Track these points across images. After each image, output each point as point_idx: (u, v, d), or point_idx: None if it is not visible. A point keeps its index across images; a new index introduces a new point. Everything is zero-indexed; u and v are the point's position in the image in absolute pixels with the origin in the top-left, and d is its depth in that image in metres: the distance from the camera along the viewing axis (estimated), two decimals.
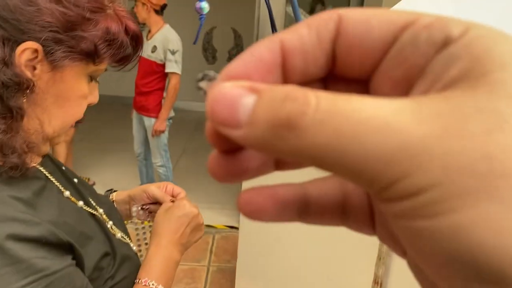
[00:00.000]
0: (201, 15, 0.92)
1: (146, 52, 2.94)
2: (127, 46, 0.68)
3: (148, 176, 3.39)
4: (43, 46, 0.60)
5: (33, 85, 0.60)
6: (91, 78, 0.69)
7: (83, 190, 0.78)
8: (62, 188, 0.71)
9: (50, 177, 0.70)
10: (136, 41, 0.70)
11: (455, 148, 0.12)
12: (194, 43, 1.06)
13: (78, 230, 0.66)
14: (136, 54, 0.72)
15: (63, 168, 0.78)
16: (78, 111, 0.68)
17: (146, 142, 3.23)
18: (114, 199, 0.93)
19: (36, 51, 0.59)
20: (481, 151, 0.12)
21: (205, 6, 0.93)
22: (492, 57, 0.13)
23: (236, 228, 3.25)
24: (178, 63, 2.91)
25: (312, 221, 0.19)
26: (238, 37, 5.67)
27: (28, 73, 0.60)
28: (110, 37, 0.65)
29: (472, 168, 0.12)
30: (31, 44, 0.59)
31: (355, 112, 0.13)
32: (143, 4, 2.81)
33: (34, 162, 0.68)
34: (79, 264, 0.64)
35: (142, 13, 2.83)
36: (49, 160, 0.74)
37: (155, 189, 0.90)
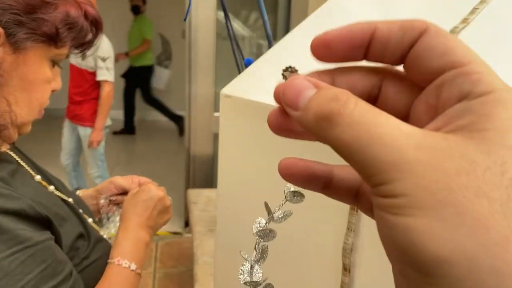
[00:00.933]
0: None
1: (76, 59, 2.83)
2: (87, 31, 0.70)
3: (81, 187, 3.27)
4: (4, 28, 0.61)
5: None
6: (54, 63, 0.70)
7: (51, 178, 0.80)
8: (33, 173, 0.73)
9: (21, 162, 0.72)
10: (96, 26, 0.73)
11: (429, 176, 0.16)
12: (184, 20, 1.08)
13: (53, 211, 0.67)
14: (97, 39, 0.75)
15: (29, 157, 0.79)
16: (43, 95, 0.69)
17: (76, 153, 3.11)
18: (80, 195, 0.95)
19: None
20: (444, 184, 0.16)
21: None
22: (494, 119, 0.17)
23: (180, 233, 3.25)
24: (110, 70, 2.83)
25: (330, 196, 0.25)
26: (166, 42, 5.62)
27: None
28: (70, 21, 0.67)
29: (434, 194, 0.16)
30: None
31: (376, 127, 0.17)
32: None
33: (4, 147, 0.70)
34: (57, 241, 0.66)
35: None
36: (16, 148, 0.76)
37: (121, 179, 0.93)
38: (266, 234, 0.32)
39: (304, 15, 2.77)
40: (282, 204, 0.32)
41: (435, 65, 0.19)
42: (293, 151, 0.60)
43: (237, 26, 3.14)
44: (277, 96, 0.21)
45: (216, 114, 2.96)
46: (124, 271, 0.74)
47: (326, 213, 0.50)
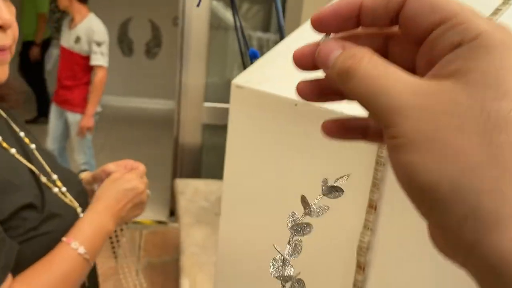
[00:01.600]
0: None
1: (68, 42, 2.78)
2: None
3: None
4: None
5: None
6: None
7: (42, 155, 0.81)
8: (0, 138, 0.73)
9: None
10: None
11: (421, 118, 0.19)
12: (198, 5, 1.07)
13: (1, 175, 0.68)
14: None
15: (13, 121, 0.81)
16: None
17: (63, 138, 3.06)
18: (82, 178, 0.95)
19: None
20: (433, 124, 0.19)
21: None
22: (479, 62, 0.19)
23: (165, 223, 3.23)
24: (104, 55, 2.77)
25: (369, 142, 0.28)
26: (156, 29, 5.55)
27: None
28: None
29: (425, 133, 0.19)
30: None
31: (382, 79, 0.21)
32: None
33: None
34: None
35: (63, 0, 2.69)
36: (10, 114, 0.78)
37: (111, 165, 0.91)
38: (302, 228, 0.31)
39: (299, 4, 2.76)
40: (319, 198, 0.32)
41: (425, 25, 0.22)
42: (304, 146, 0.59)
43: (229, 15, 3.11)
44: (316, 57, 0.24)
45: (206, 104, 2.94)
46: (71, 252, 0.72)
47: (342, 210, 0.49)
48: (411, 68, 0.23)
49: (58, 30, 5.35)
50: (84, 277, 0.77)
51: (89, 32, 2.74)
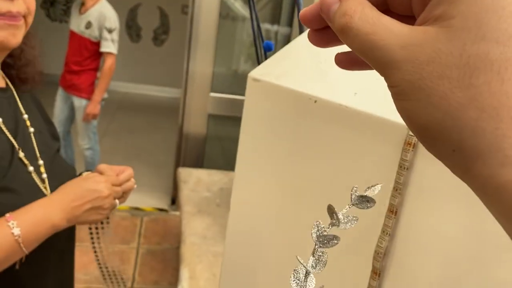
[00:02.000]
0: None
1: (78, 27, 2.75)
2: None
3: (68, 157, 3.19)
4: None
5: None
6: None
7: (38, 140, 0.83)
8: None
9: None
10: None
11: (409, 69, 0.21)
12: None
13: None
14: None
15: (24, 103, 0.84)
16: None
17: (67, 123, 3.04)
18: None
19: None
20: (418, 74, 0.21)
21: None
22: (460, 5, 0.20)
23: (166, 210, 3.24)
24: (114, 42, 2.75)
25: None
26: (165, 16, 5.52)
27: None
28: None
29: (412, 83, 0.21)
30: None
31: (373, 35, 0.22)
32: None
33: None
34: None
35: None
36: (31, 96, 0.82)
37: (104, 166, 0.90)
38: (328, 240, 0.29)
39: None
40: (348, 208, 0.30)
41: None
42: (322, 144, 0.58)
43: (238, 6, 3.09)
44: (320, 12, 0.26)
45: (212, 94, 2.93)
46: (5, 229, 0.70)
47: (358, 214, 0.48)
48: (409, 11, 0.25)
49: (66, 12, 5.33)
50: (11, 261, 0.72)
51: (100, 18, 2.71)
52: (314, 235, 0.30)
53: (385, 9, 0.25)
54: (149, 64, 5.69)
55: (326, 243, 0.30)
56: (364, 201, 0.30)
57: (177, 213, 3.13)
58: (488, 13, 0.19)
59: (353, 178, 0.53)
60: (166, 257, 2.76)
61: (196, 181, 2.44)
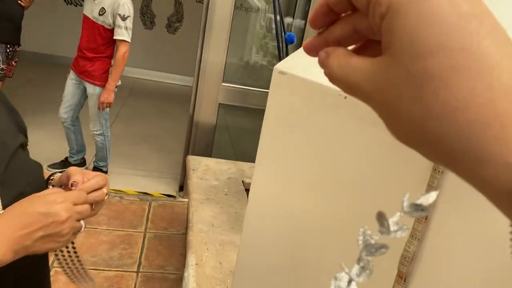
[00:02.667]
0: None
1: (92, 13, 2.73)
2: None
3: (78, 142, 3.19)
4: None
5: None
6: None
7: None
8: None
9: None
10: None
11: (379, 98, 0.24)
12: None
13: None
14: None
15: None
16: None
17: (77, 108, 3.04)
18: (51, 179, 0.83)
19: None
20: (386, 100, 0.24)
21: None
22: (395, 32, 0.22)
23: (173, 196, 3.28)
24: (128, 30, 2.73)
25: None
26: (179, 4, 5.52)
27: None
28: None
29: (383, 106, 0.24)
30: None
31: (349, 77, 0.26)
32: None
33: None
34: None
35: None
36: None
37: (75, 169, 0.76)
38: (376, 248, 0.28)
39: None
40: (399, 217, 0.28)
41: (362, 6, 0.25)
42: (350, 140, 0.57)
43: None
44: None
45: (224, 84, 2.94)
46: None
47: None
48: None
49: None
50: None
51: (114, 5, 2.69)
52: (361, 243, 0.28)
53: (369, 40, 0.28)
54: (162, 51, 5.70)
55: (374, 251, 0.28)
56: (419, 209, 0.27)
57: (185, 199, 3.16)
58: (418, 26, 0.21)
59: (381, 178, 0.52)
60: (173, 243, 2.80)
61: (205, 169, 2.46)
